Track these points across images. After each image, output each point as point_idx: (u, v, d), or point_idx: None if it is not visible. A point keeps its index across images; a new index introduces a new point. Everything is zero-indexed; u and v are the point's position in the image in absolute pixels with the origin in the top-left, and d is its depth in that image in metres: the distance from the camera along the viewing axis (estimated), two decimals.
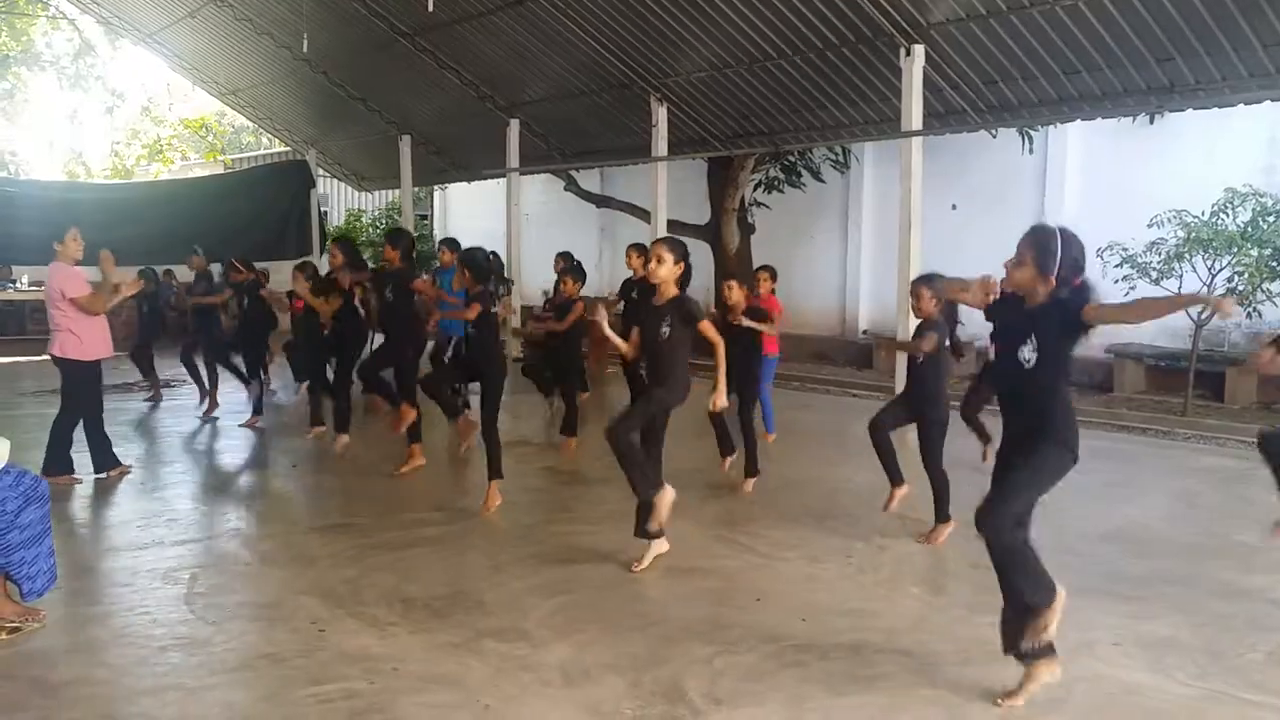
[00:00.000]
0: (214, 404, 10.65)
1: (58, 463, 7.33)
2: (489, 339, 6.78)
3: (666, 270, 5.47)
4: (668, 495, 5.49)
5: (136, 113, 37.02)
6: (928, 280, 6.13)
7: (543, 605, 5.00)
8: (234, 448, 9.26)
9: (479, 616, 4.85)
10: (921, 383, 6.17)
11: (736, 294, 7.48)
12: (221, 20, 17.40)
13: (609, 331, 5.93)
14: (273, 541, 6.25)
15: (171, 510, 6.96)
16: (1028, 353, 3.83)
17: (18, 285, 17.71)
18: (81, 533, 6.19)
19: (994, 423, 6.61)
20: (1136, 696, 4.01)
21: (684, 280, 5.57)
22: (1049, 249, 3.79)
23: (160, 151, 35.55)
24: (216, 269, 11.24)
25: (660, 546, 5.60)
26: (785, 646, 4.50)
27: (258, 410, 10.13)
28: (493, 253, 7.09)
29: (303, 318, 10.06)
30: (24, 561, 4.64)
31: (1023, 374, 3.87)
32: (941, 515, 6.19)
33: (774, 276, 9.12)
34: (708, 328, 5.47)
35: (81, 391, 7.47)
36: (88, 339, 7.34)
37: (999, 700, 3.93)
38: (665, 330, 5.44)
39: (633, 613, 4.93)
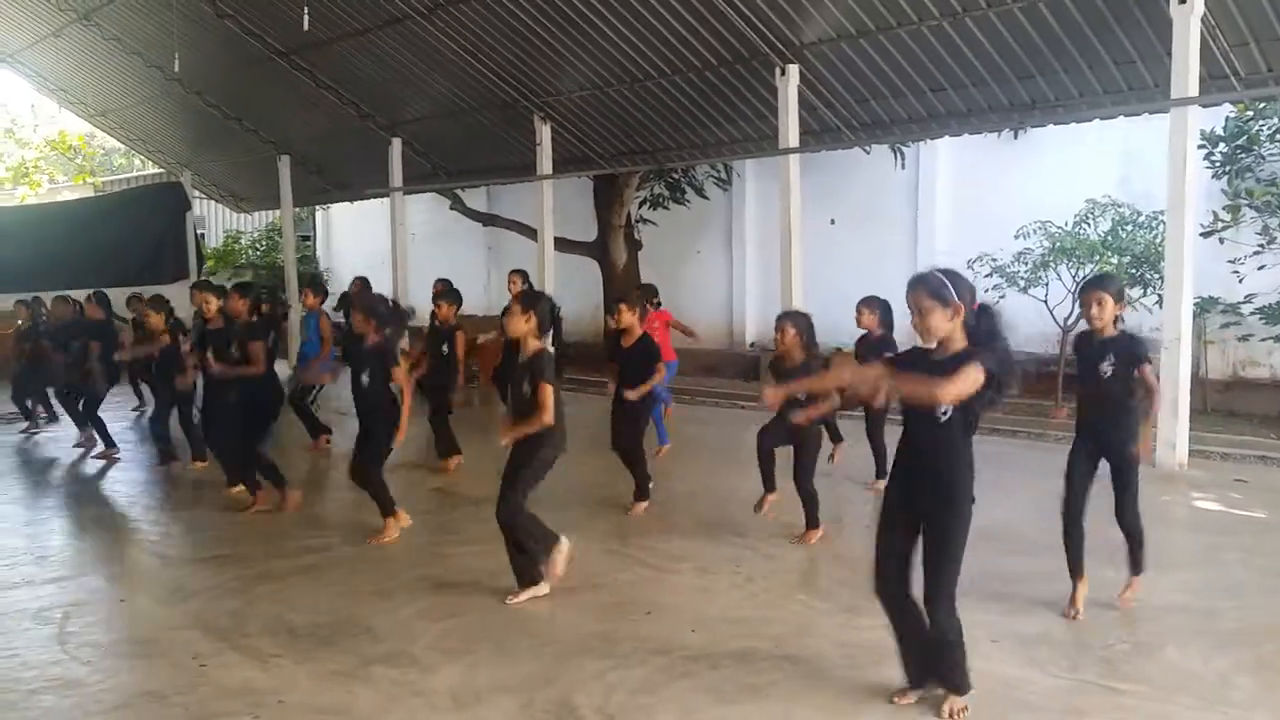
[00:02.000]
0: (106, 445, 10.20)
1: None
2: (383, 388, 6.54)
3: (516, 324, 5.32)
4: (564, 548, 5.40)
5: None
6: (791, 317, 6.33)
7: (432, 629, 4.96)
8: (108, 483, 8.92)
9: (367, 643, 4.79)
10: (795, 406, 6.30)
11: (628, 317, 7.40)
12: (88, 40, 16.84)
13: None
14: (150, 576, 6.07)
15: (41, 547, 6.69)
16: (943, 406, 3.68)
17: None
18: None
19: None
20: (1013, 690, 4.16)
21: (550, 324, 5.49)
22: (938, 285, 3.71)
23: (26, 174, 34.05)
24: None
25: (541, 590, 5.42)
26: (676, 658, 4.55)
27: (111, 442, 9.82)
28: (394, 300, 6.99)
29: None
30: None
31: (934, 426, 3.73)
32: (812, 523, 6.43)
33: (653, 295, 9.39)
34: (543, 393, 5.21)
35: None
36: None
37: (894, 698, 4.06)
38: (526, 389, 5.28)
39: (523, 632, 4.92)
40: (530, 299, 5.45)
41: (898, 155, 13.83)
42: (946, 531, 3.78)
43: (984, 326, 3.76)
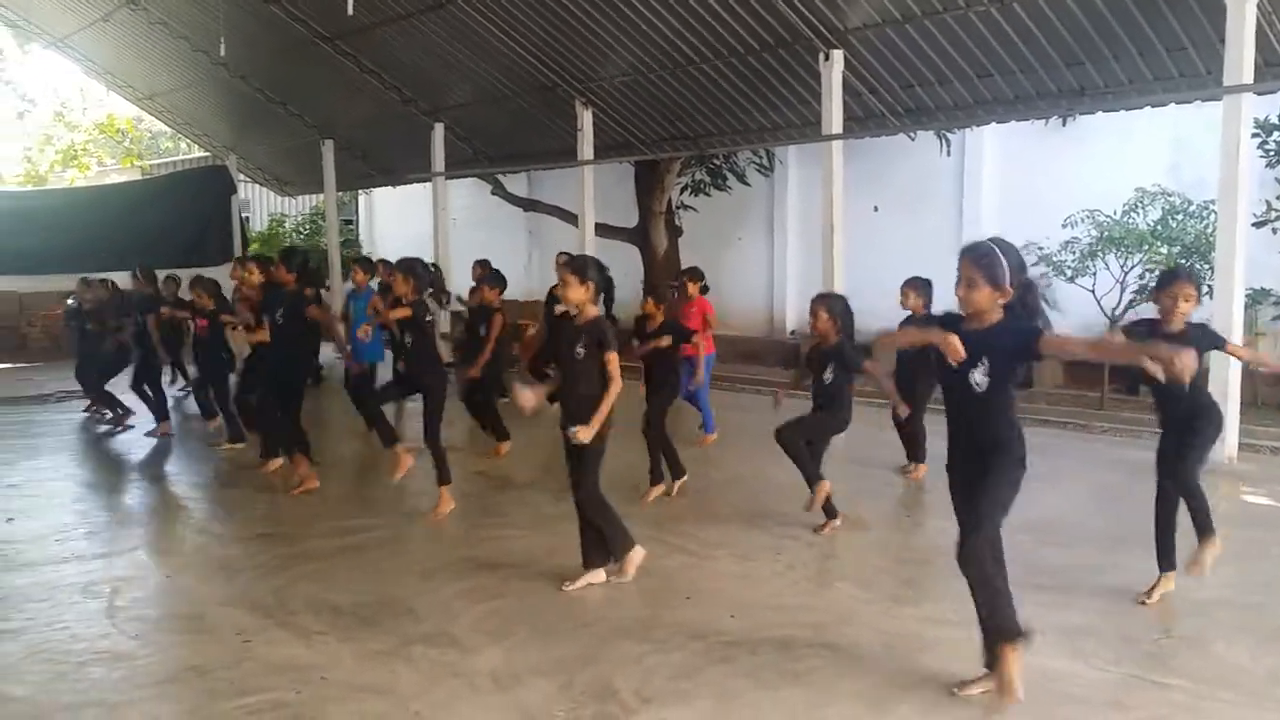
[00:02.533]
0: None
1: None
2: (428, 349, 6.68)
3: (574, 294, 5.25)
4: (638, 554, 5.43)
5: (49, 118, 35.99)
6: (825, 300, 6.29)
7: (473, 610, 4.99)
8: (154, 460, 9.06)
9: (408, 623, 4.83)
10: (835, 397, 6.27)
11: (649, 308, 7.51)
12: (136, 24, 17.02)
13: None
14: (196, 553, 6.16)
15: (91, 523, 6.81)
16: (979, 376, 3.76)
17: None
18: None
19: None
20: (1057, 682, 4.12)
21: (607, 297, 5.50)
22: (994, 263, 3.73)
23: (75, 157, 34.61)
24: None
25: (598, 578, 5.42)
26: (714, 643, 4.55)
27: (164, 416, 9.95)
28: (434, 264, 7.03)
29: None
30: None
31: (974, 398, 3.81)
32: (831, 514, 6.38)
33: (699, 278, 9.27)
34: (610, 362, 5.17)
35: None
36: None
37: (956, 690, 4.02)
38: (580, 351, 5.22)
39: (563, 615, 4.94)
40: (581, 265, 5.30)
41: (943, 142, 13.68)
42: (994, 473, 3.80)
43: (1027, 302, 3.76)
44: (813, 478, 6.26)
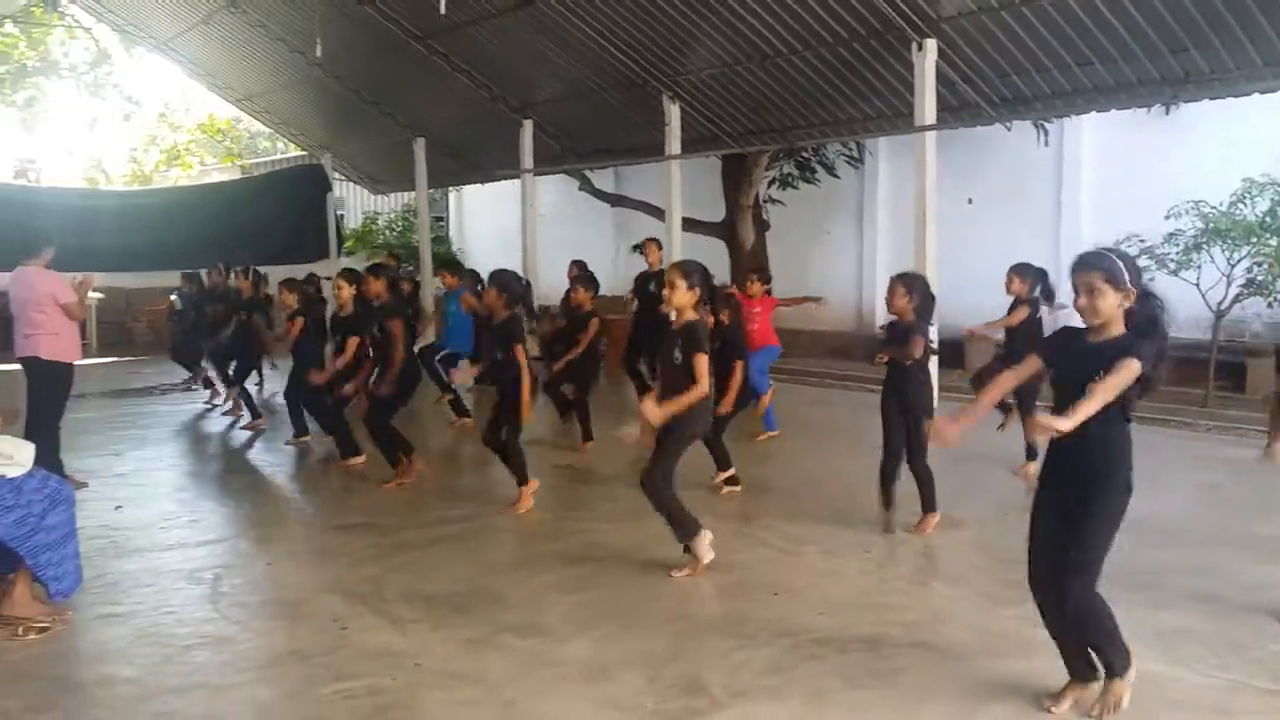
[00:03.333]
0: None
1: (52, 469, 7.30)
2: (516, 363, 6.63)
3: (679, 297, 5.30)
4: (705, 538, 5.43)
5: (154, 119, 37.25)
6: (905, 279, 6.16)
7: (562, 601, 5.03)
8: (254, 450, 9.32)
9: (499, 612, 4.89)
10: (908, 380, 6.15)
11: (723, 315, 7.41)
12: (235, 26, 17.49)
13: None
14: (295, 541, 6.32)
15: (194, 511, 7.04)
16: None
17: None
18: (106, 534, 6.24)
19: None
20: (1160, 687, 3.99)
21: (709, 297, 5.47)
22: (1112, 264, 3.60)
23: (178, 157, 35.76)
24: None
25: (706, 554, 5.43)
26: (804, 640, 4.51)
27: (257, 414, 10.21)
28: (525, 280, 7.09)
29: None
30: (50, 563, 4.70)
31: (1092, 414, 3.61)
32: (928, 506, 6.24)
33: (765, 280, 9.31)
34: (698, 363, 5.20)
35: (56, 393, 7.28)
36: (69, 340, 7.26)
37: (1047, 705, 3.88)
38: (678, 356, 5.28)
39: (651, 609, 4.95)
40: (690, 270, 5.35)
41: (1041, 132, 13.30)
42: (1090, 512, 3.66)
43: (1145, 313, 3.62)
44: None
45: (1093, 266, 3.62)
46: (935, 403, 6.39)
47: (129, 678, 4.20)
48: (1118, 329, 3.62)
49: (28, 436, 6.10)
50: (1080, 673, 3.87)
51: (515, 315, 6.74)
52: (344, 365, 8.02)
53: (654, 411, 5.16)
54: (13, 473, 4.72)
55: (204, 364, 11.55)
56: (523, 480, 6.79)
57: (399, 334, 7.50)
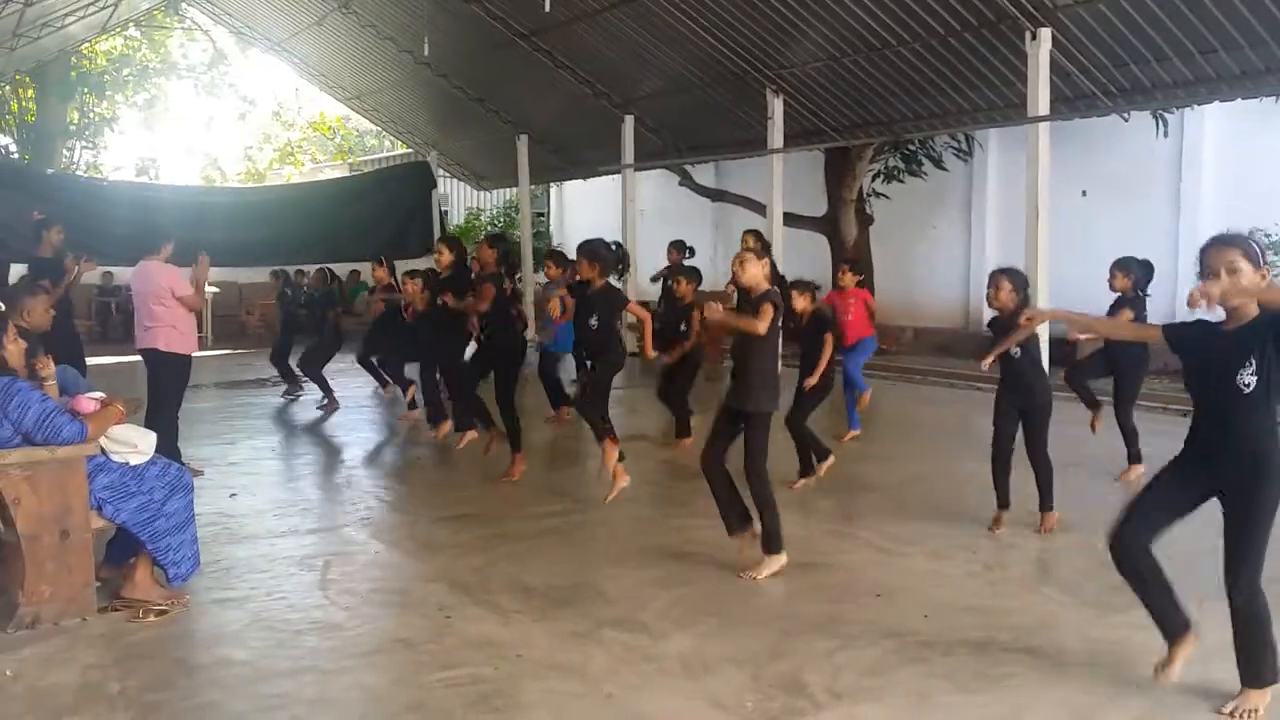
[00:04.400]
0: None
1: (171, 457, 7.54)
2: (610, 332, 6.74)
3: (751, 270, 5.39)
4: (781, 561, 5.38)
5: (268, 118, 38.46)
6: (1008, 273, 6.05)
7: (662, 597, 5.03)
8: (362, 441, 9.55)
9: (600, 606, 4.91)
10: (1022, 375, 6.02)
11: (800, 302, 7.34)
12: (346, 27, 17.95)
13: None
14: (401, 531, 6.45)
15: (305, 500, 7.25)
16: (1247, 376, 3.49)
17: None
18: (221, 521, 6.46)
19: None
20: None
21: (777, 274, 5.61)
22: (1249, 245, 3.50)
23: (291, 155, 36.86)
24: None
25: (780, 561, 5.40)
26: (907, 642, 4.43)
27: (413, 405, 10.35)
28: (615, 243, 7.08)
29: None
30: (170, 548, 4.88)
31: (1240, 400, 3.54)
32: (1046, 504, 6.09)
33: (858, 271, 9.29)
34: (764, 309, 5.22)
35: (175, 384, 7.45)
36: (187, 332, 7.43)
37: (1158, 670, 3.88)
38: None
39: (751, 607, 4.92)
40: (765, 247, 5.56)
41: (1160, 122, 12.82)
42: (1255, 502, 3.57)
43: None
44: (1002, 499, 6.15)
45: (1228, 244, 3.51)
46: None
47: (243, 660, 4.34)
48: (1252, 310, 3.50)
49: (148, 425, 6.35)
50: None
51: (610, 284, 6.76)
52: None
53: (714, 308, 5.25)
54: (135, 460, 4.92)
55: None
56: (602, 437, 6.61)
57: (489, 292, 7.57)
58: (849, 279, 9.09)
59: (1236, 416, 3.56)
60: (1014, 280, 5.97)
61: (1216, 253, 3.51)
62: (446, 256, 8.48)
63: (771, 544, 5.37)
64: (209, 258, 7.61)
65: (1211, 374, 3.60)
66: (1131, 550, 3.85)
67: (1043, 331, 10.27)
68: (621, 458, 6.56)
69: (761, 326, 5.19)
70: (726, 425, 5.47)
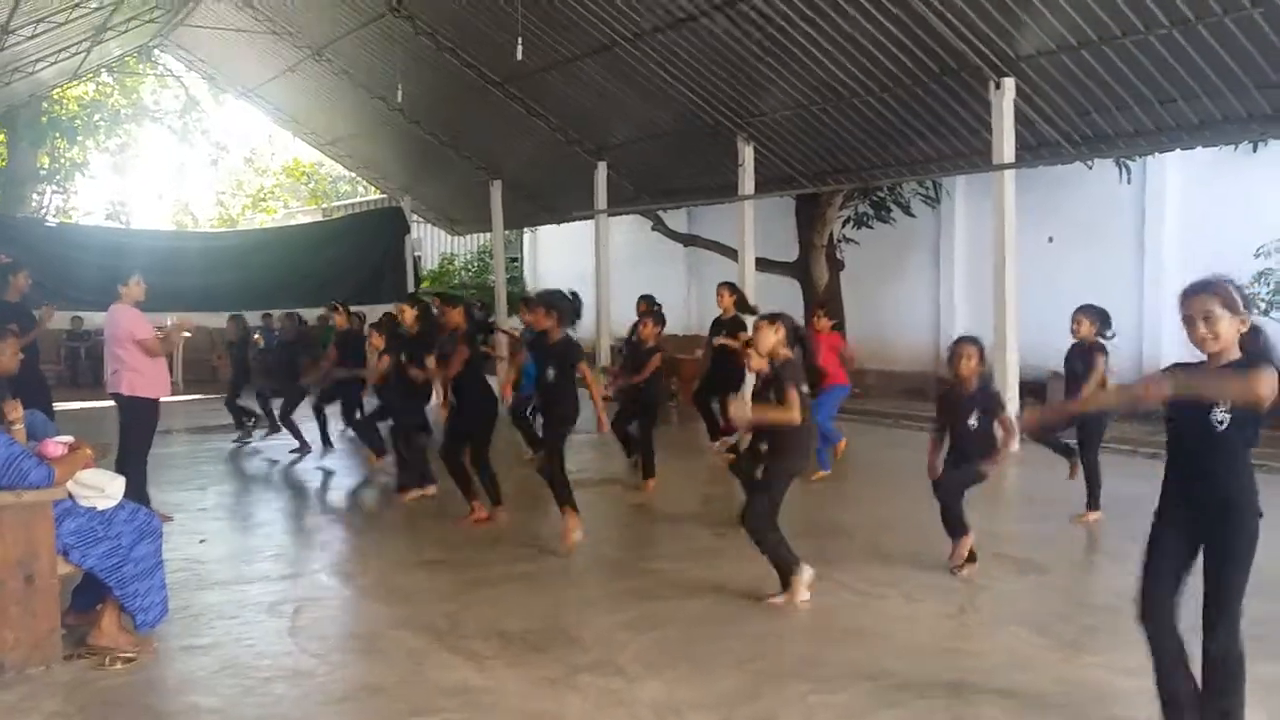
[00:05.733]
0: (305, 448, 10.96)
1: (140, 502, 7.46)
2: (566, 385, 6.71)
3: (765, 340, 5.48)
4: (806, 575, 5.50)
5: (240, 163, 38.47)
6: (974, 341, 6.10)
7: (636, 640, 5.01)
8: (330, 487, 9.47)
9: (575, 651, 4.88)
10: (969, 445, 6.07)
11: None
12: (320, 74, 18.06)
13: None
14: (372, 576, 6.38)
15: (275, 545, 7.17)
16: (1220, 414, 3.45)
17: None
18: (189, 567, 6.38)
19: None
20: None
21: (796, 338, 5.60)
22: (1227, 289, 3.48)
23: (264, 200, 36.82)
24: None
25: (802, 593, 5.50)
26: (883, 685, 4.42)
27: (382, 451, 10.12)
28: (572, 292, 7.07)
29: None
30: (137, 594, 4.81)
31: (1212, 440, 3.49)
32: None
33: (831, 316, 9.38)
34: (789, 396, 5.34)
35: (141, 429, 7.40)
36: (152, 377, 7.39)
37: None
38: (770, 397, 5.44)
39: (725, 649, 4.90)
40: (775, 315, 5.59)
41: (1123, 170, 13.07)
42: (1229, 546, 3.52)
43: (1252, 348, 3.50)
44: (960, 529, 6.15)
45: (1206, 291, 3.49)
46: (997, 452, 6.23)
47: (212, 708, 4.27)
48: (1234, 355, 3.48)
49: (118, 470, 6.29)
50: None
51: (569, 336, 6.75)
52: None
53: (741, 411, 5.33)
54: (103, 505, 4.86)
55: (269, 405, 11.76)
56: (565, 504, 6.70)
57: (462, 355, 7.52)
58: (824, 324, 9.15)
59: (1210, 456, 3.53)
60: (983, 351, 6.07)
61: (1192, 301, 3.51)
62: (409, 315, 8.44)
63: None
64: (187, 321, 7.62)
65: (1186, 412, 3.55)
66: (1160, 627, 3.71)
67: (1013, 376, 10.40)
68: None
69: (795, 415, 5.30)
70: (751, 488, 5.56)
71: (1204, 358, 3.55)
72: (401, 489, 8.50)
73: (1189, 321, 3.52)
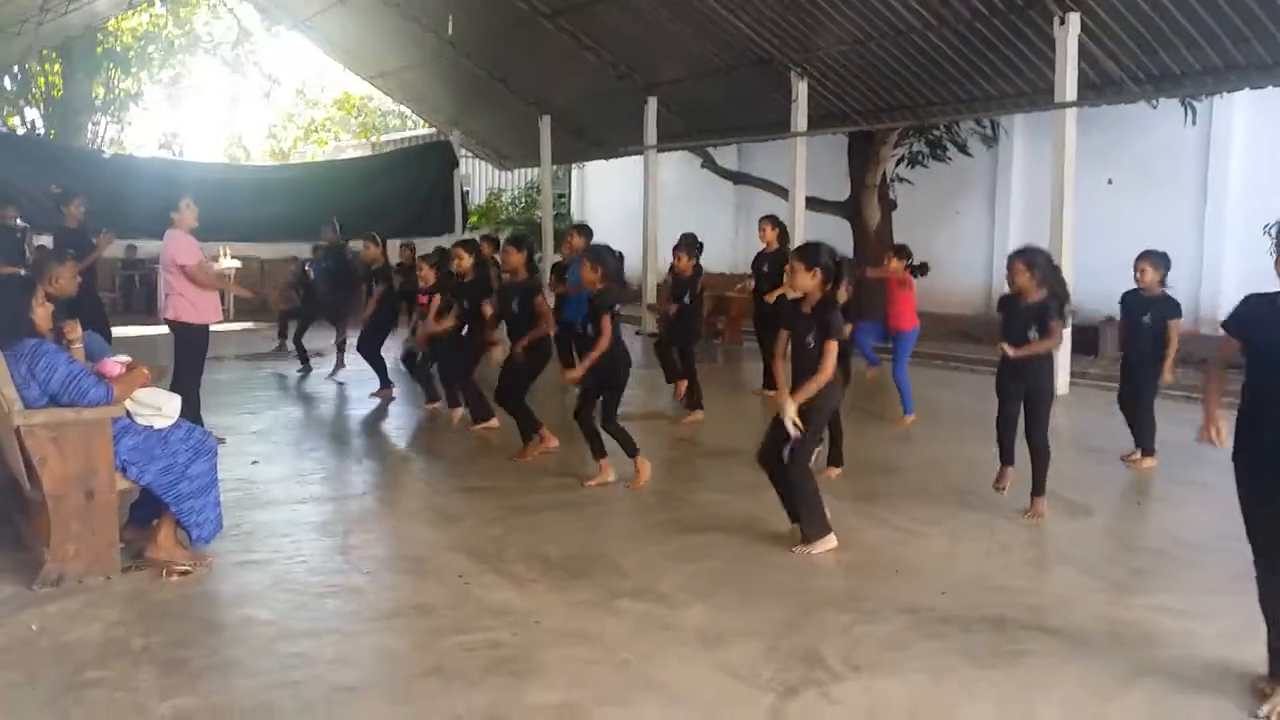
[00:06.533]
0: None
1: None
2: (613, 340, 6.57)
3: (802, 281, 5.29)
4: (829, 543, 5.38)
5: (292, 96, 38.51)
6: (1024, 254, 5.89)
7: (679, 570, 5.05)
8: (383, 415, 9.58)
9: (616, 578, 4.93)
10: (1027, 363, 5.92)
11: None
12: (371, 5, 17.93)
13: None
14: (420, 501, 6.49)
15: (325, 469, 7.29)
16: None
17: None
18: (243, 487, 6.51)
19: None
20: None
21: (836, 274, 5.33)
22: None
23: (314, 133, 36.91)
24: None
25: (831, 543, 5.39)
26: (925, 618, 4.43)
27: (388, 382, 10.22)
28: (619, 253, 6.99)
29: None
30: (193, 510, 4.94)
31: None
32: (1038, 488, 6.03)
33: (904, 256, 8.87)
34: (827, 350, 5.18)
35: (190, 353, 7.50)
36: (200, 303, 7.47)
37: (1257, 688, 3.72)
38: (810, 341, 5.27)
39: (768, 581, 4.92)
40: (810, 254, 5.30)
41: (1188, 111, 12.67)
42: None
43: None
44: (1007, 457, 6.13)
45: None
46: (1062, 385, 6.15)
47: (265, 620, 4.38)
48: None
49: (173, 391, 6.41)
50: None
51: (608, 289, 6.66)
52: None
53: (789, 405, 5.16)
54: (160, 424, 4.97)
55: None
56: (632, 452, 6.66)
57: (546, 313, 7.55)
58: (896, 265, 8.74)
59: None
60: (1032, 261, 5.83)
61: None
62: (466, 261, 8.39)
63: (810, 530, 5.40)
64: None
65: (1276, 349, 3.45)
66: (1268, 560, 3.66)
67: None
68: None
69: (828, 374, 5.17)
70: (781, 429, 5.35)
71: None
72: (476, 420, 8.48)
73: None
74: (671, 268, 9.35)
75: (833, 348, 5.18)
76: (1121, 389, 7.48)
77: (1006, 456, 6.20)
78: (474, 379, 8.53)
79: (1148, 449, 7.29)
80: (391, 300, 10.45)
